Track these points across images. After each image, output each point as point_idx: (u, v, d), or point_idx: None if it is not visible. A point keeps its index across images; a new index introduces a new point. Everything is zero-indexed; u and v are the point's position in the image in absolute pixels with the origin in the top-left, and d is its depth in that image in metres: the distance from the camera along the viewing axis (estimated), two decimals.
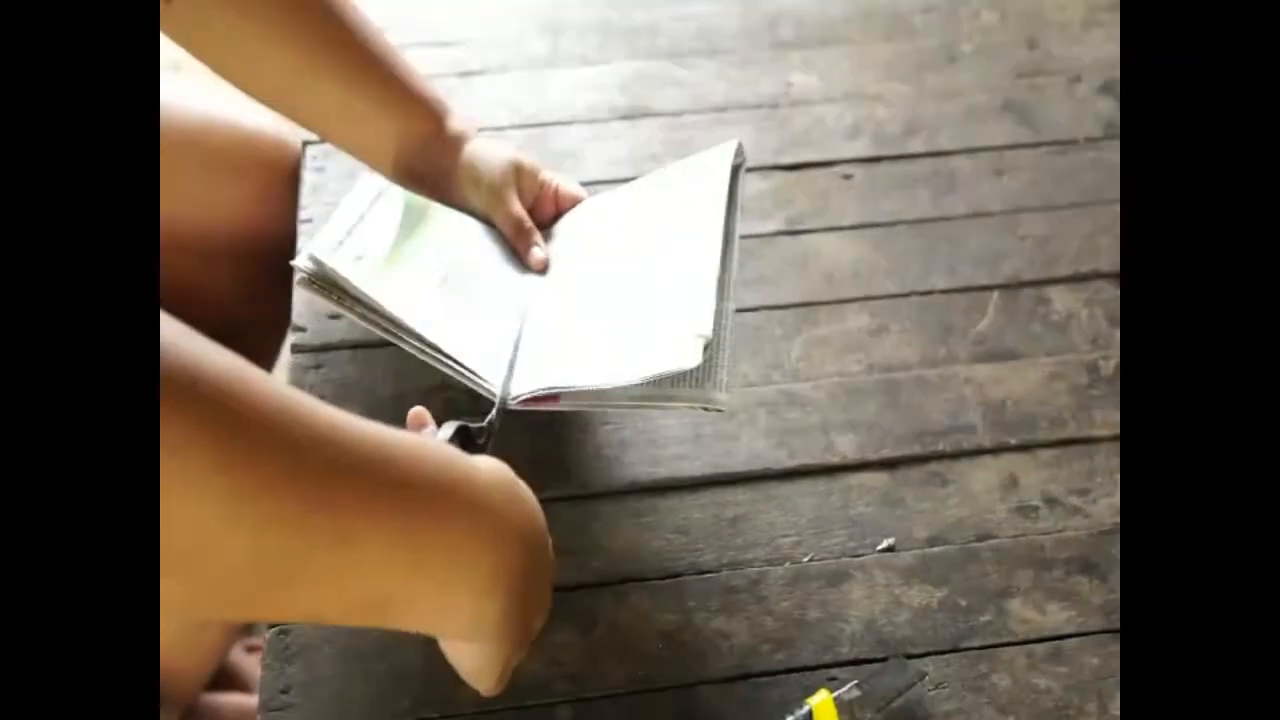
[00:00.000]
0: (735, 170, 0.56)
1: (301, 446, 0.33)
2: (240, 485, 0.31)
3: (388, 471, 0.35)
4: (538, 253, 0.58)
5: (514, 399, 0.51)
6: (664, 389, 0.50)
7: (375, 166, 0.59)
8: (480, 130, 0.61)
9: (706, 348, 0.48)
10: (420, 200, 0.59)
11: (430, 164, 0.58)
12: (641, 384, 0.49)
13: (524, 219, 0.58)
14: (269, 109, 0.59)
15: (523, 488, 0.41)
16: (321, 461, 0.33)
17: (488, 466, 0.40)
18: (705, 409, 0.50)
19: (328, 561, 0.34)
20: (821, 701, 0.47)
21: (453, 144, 0.58)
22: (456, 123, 0.59)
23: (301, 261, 0.54)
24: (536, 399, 0.51)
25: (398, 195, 0.58)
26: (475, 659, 0.41)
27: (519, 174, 0.59)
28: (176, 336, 0.32)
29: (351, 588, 0.36)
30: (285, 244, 0.65)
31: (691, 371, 0.49)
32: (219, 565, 0.32)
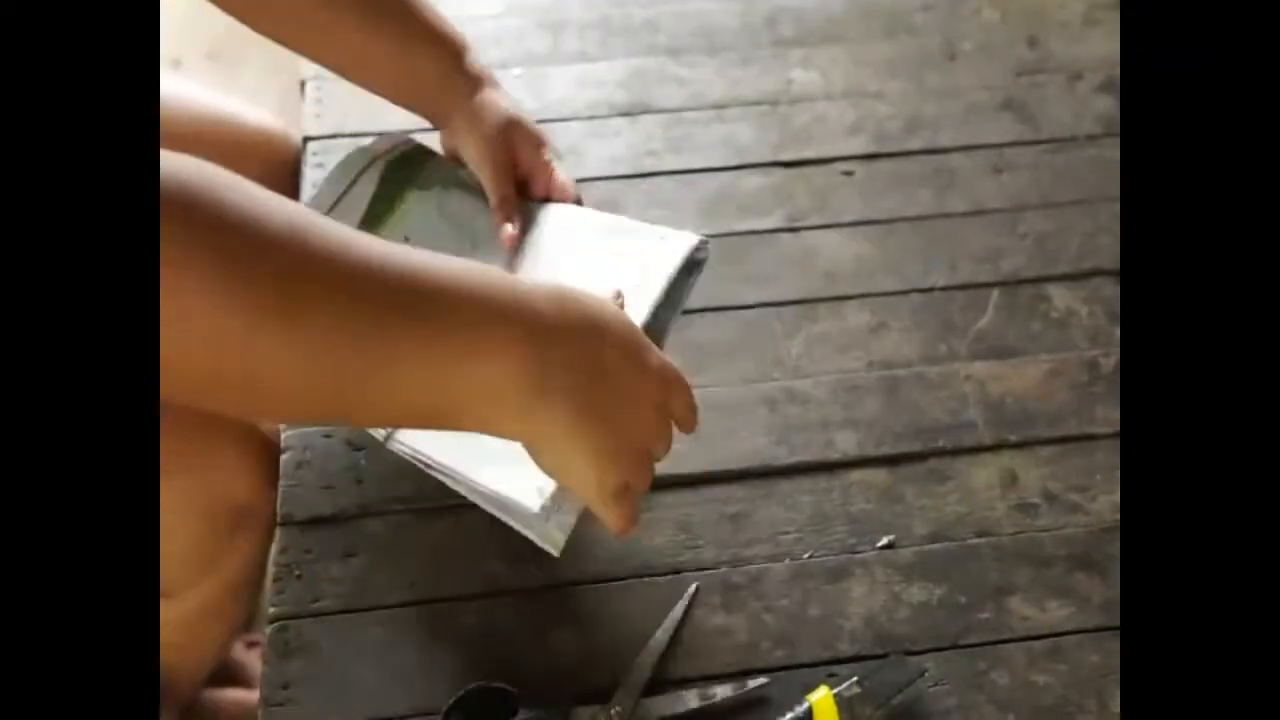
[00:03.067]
0: (690, 266, 0.53)
1: (348, 278, 0.36)
2: (293, 317, 0.35)
3: (418, 292, 0.37)
4: (509, 228, 0.56)
5: (398, 442, 0.51)
6: (504, 507, 0.49)
7: (388, 98, 0.59)
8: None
9: (544, 506, 0.47)
10: (391, 188, 0.59)
11: (439, 103, 0.58)
12: (485, 491, 0.49)
13: (505, 190, 0.57)
14: (280, 43, 0.58)
15: (581, 297, 0.42)
16: (362, 289, 0.36)
17: (535, 286, 0.41)
18: (537, 541, 0.49)
19: (366, 380, 0.37)
20: (821, 698, 0.47)
21: (464, 85, 0.58)
22: (472, 64, 0.59)
23: None
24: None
25: (369, 182, 0.58)
26: (570, 472, 0.42)
27: (515, 130, 0.58)
28: (237, 180, 0.35)
29: (395, 400, 0.39)
30: None
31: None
32: (278, 387, 0.36)
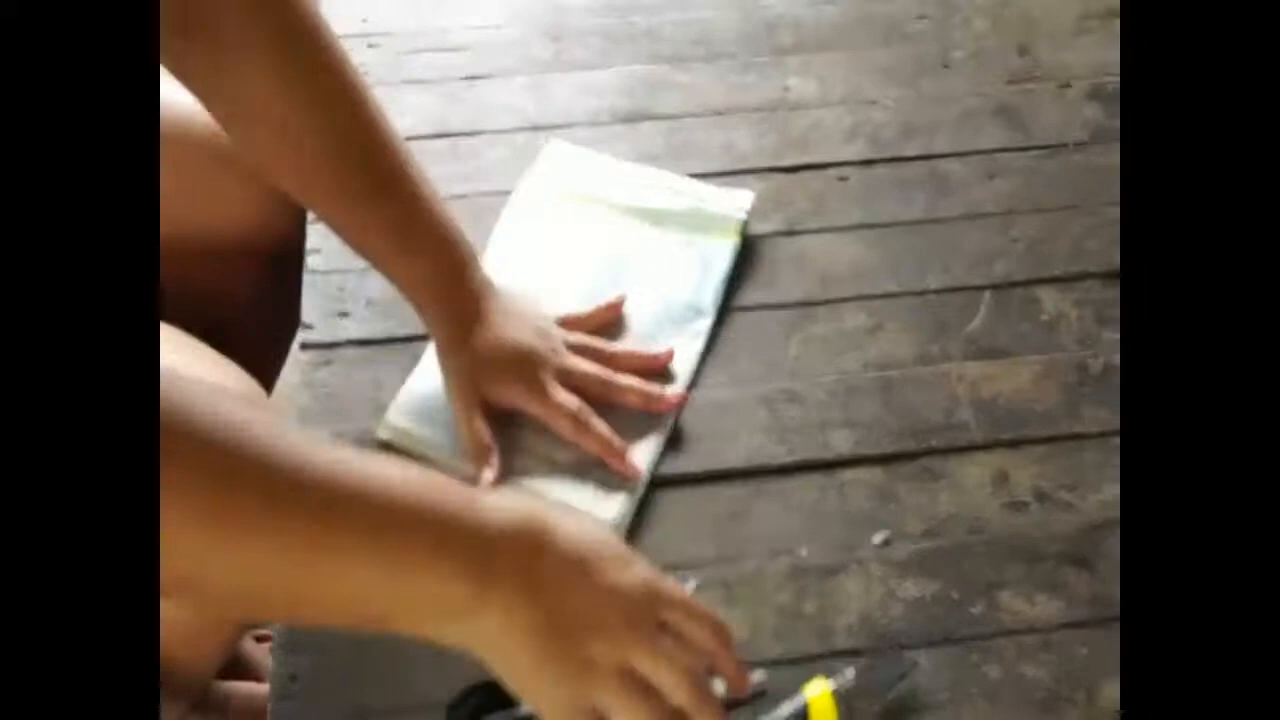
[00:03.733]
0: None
1: (288, 492, 0.35)
2: (228, 527, 0.34)
3: (369, 513, 0.37)
4: (487, 474, 0.54)
5: None
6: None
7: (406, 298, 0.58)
8: (483, 133, 0.61)
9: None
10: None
11: (428, 313, 0.57)
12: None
13: (477, 438, 0.54)
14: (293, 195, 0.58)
15: (546, 524, 0.40)
16: (310, 505, 0.36)
17: (496, 504, 0.40)
18: None
19: (314, 591, 0.37)
20: (820, 694, 0.48)
21: (456, 306, 0.56)
22: (471, 283, 0.57)
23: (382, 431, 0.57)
24: None
25: None
26: (530, 690, 0.40)
27: (502, 373, 0.55)
28: (177, 378, 0.34)
29: (342, 611, 0.39)
30: (294, 243, 0.66)
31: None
32: (214, 590, 0.35)
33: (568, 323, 0.60)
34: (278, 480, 0.35)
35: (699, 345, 0.62)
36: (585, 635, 0.40)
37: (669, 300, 0.63)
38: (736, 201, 0.66)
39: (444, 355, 0.57)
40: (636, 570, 0.41)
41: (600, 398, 0.57)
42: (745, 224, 0.66)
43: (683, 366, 0.61)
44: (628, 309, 0.63)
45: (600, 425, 0.55)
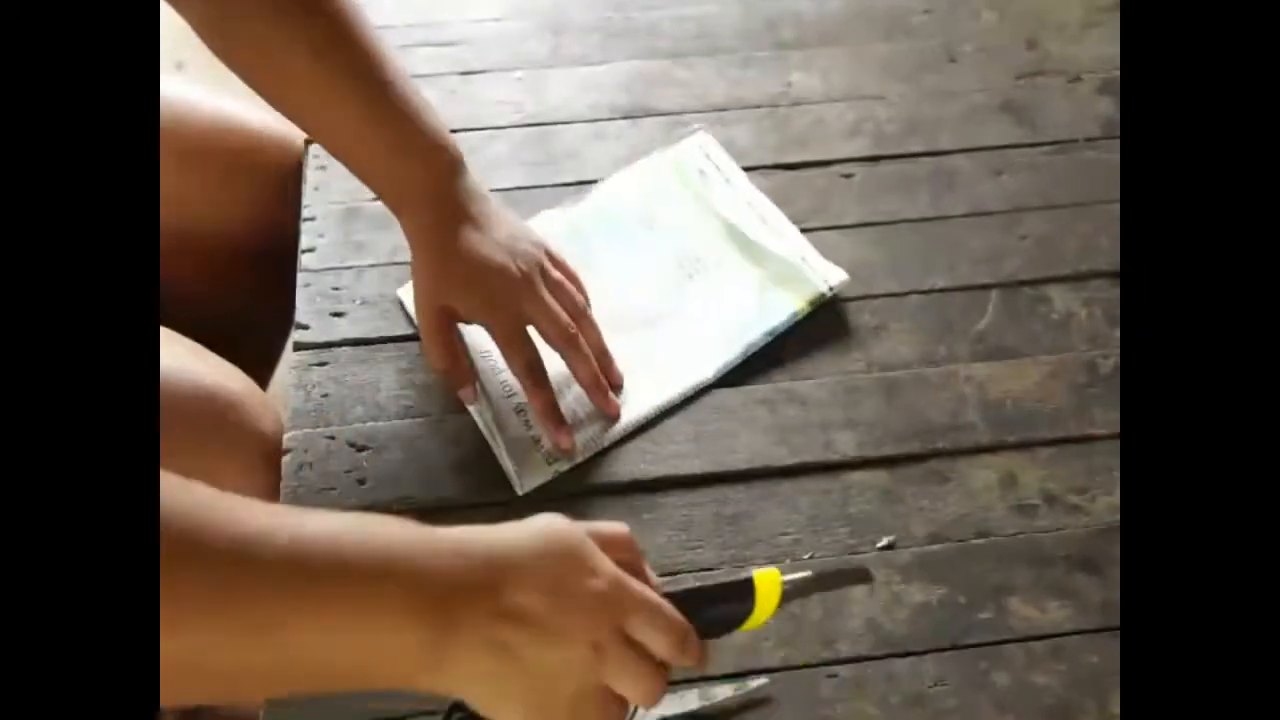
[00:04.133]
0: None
1: (229, 573, 0.35)
2: (176, 614, 0.33)
3: (312, 579, 0.36)
4: (466, 393, 0.56)
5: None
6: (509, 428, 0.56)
7: (368, 186, 0.58)
8: (481, 129, 0.60)
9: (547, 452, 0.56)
10: None
11: (411, 219, 0.56)
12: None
13: (442, 363, 0.55)
14: (275, 106, 0.58)
15: (507, 563, 0.39)
16: (251, 581, 0.35)
17: (454, 549, 0.39)
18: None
19: (269, 662, 0.36)
20: (769, 573, 0.44)
21: (440, 209, 0.55)
22: (463, 188, 0.56)
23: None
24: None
25: None
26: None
27: (471, 293, 0.54)
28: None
29: (315, 678, 0.38)
30: (288, 242, 0.65)
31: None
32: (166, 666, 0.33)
33: (560, 264, 0.59)
34: (238, 557, 0.35)
35: (673, 394, 0.58)
36: (560, 666, 0.39)
37: (702, 333, 0.61)
38: (830, 274, 0.62)
39: (415, 258, 0.56)
40: (595, 583, 0.40)
41: (558, 345, 0.56)
42: (825, 298, 0.62)
43: (648, 399, 0.58)
44: (663, 306, 0.63)
45: (549, 395, 0.56)
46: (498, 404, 0.57)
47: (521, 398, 0.58)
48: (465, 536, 0.39)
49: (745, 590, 0.43)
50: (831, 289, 0.62)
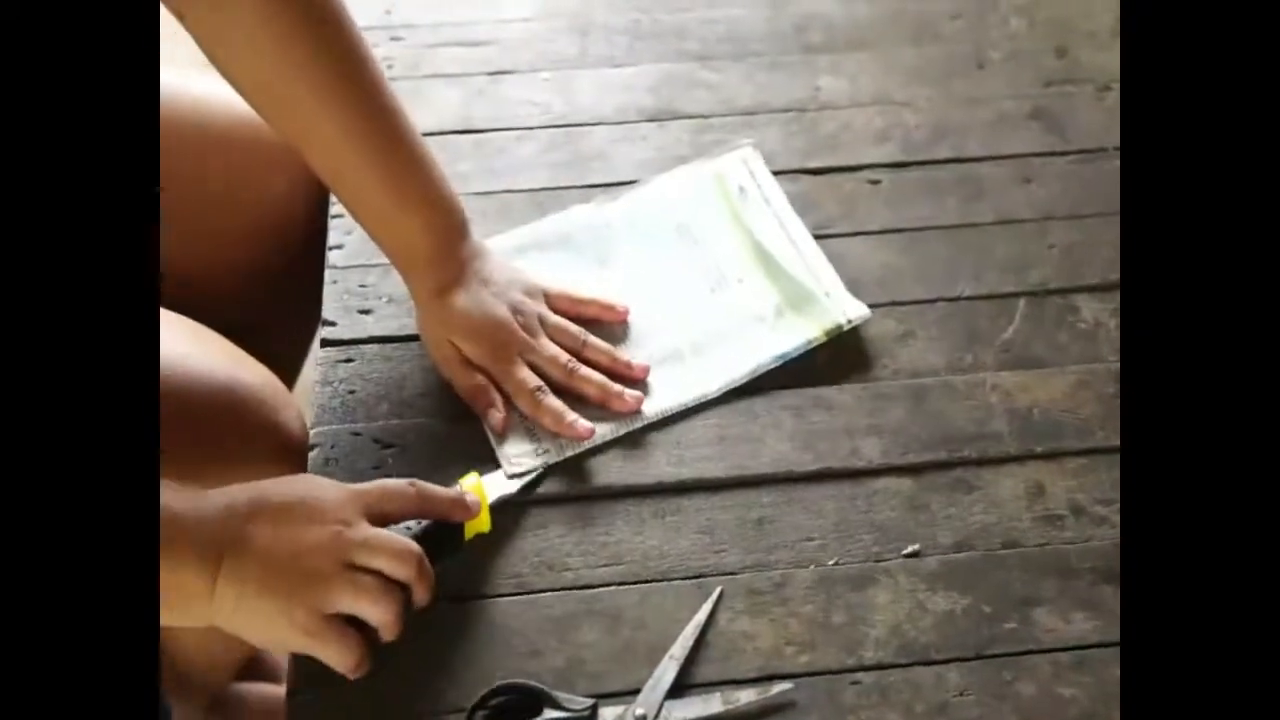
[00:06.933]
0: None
1: None
2: None
3: None
4: (495, 414, 0.56)
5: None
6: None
7: (371, 236, 0.59)
8: (508, 129, 0.60)
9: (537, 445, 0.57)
10: None
11: (414, 276, 0.58)
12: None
13: (475, 380, 0.57)
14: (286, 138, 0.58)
15: (252, 502, 0.48)
16: None
17: (212, 501, 0.48)
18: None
19: None
20: (473, 482, 0.53)
21: (441, 270, 0.57)
22: (463, 249, 0.58)
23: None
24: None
25: None
26: (264, 628, 0.47)
27: (480, 339, 0.57)
28: None
29: None
30: (315, 239, 0.66)
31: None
32: None
33: (557, 301, 0.61)
34: None
35: (672, 404, 0.58)
36: (295, 566, 0.47)
37: (713, 349, 0.61)
38: (850, 307, 0.61)
39: (422, 313, 0.59)
40: (318, 529, 0.47)
41: (562, 382, 0.58)
42: (841, 330, 0.61)
43: (654, 405, 0.58)
44: (679, 316, 0.63)
45: (554, 402, 0.57)
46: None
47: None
48: (230, 491, 0.48)
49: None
50: (850, 321, 0.61)
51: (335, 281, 0.63)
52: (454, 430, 0.58)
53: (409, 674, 0.50)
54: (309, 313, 0.64)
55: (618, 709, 0.48)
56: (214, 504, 0.47)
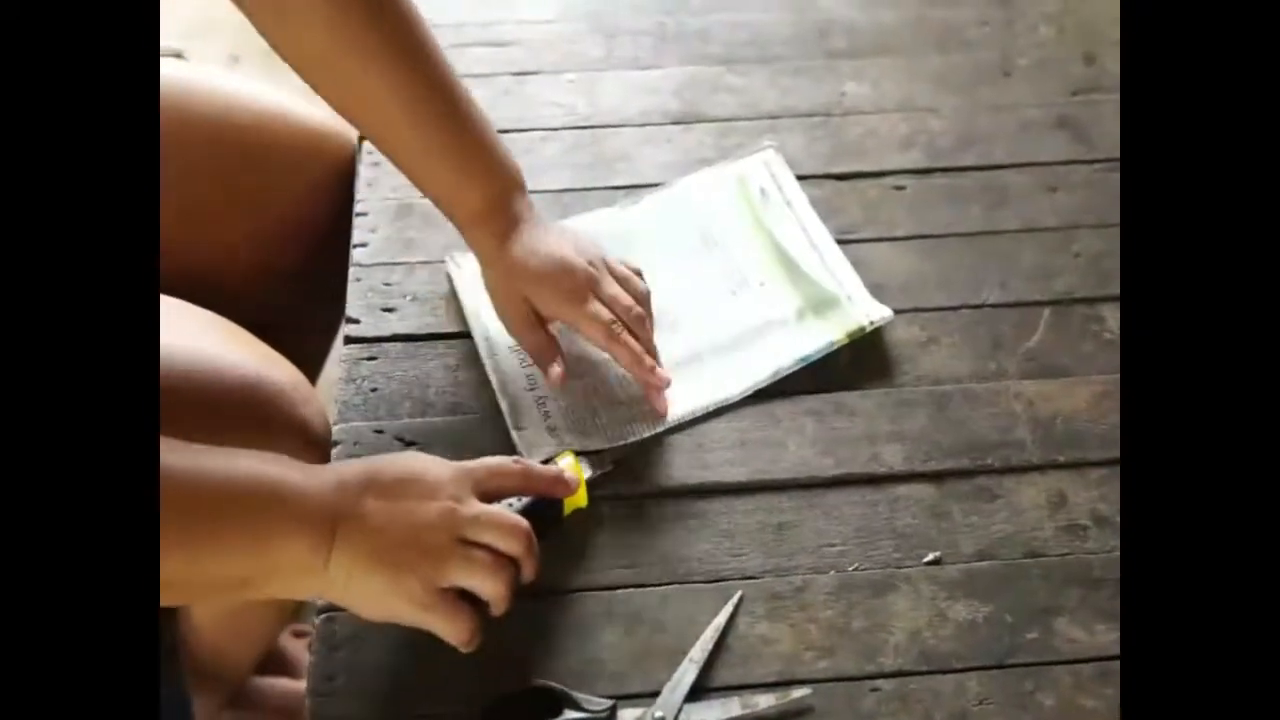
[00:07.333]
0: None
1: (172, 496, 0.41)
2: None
3: (202, 508, 0.45)
4: (555, 369, 0.57)
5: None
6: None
7: (450, 219, 0.59)
8: (533, 130, 0.60)
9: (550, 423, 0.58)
10: None
11: (473, 236, 0.58)
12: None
13: (531, 343, 0.58)
14: (343, 115, 0.59)
15: (367, 476, 0.48)
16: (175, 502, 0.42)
17: (322, 474, 0.48)
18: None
19: (182, 576, 0.44)
20: (570, 461, 0.54)
21: (497, 229, 0.57)
22: (516, 208, 0.58)
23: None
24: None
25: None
26: (381, 602, 0.47)
27: (543, 286, 0.57)
28: None
29: (208, 586, 0.48)
30: (340, 237, 0.66)
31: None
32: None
33: (614, 264, 0.60)
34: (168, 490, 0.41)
35: (696, 407, 0.58)
36: (412, 540, 0.47)
37: (735, 351, 0.61)
38: (873, 309, 0.61)
39: (487, 267, 0.59)
40: (431, 505, 0.48)
41: (628, 325, 0.58)
42: (864, 332, 0.61)
43: (675, 410, 0.58)
44: (701, 318, 0.63)
45: (632, 341, 0.57)
46: (518, 396, 0.59)
47: (542, 390, 0.59)
48: (342, 467, 0.49)
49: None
50: (872, 323, 0.61)
51: (359, 279, 0.64)
52: (476, 429, 0.58)
53: (429, 673, 0.50)
54: (333, 310, 0.64)
55: (637, 711, 0.48)
56: (326, 479, 0.47)
